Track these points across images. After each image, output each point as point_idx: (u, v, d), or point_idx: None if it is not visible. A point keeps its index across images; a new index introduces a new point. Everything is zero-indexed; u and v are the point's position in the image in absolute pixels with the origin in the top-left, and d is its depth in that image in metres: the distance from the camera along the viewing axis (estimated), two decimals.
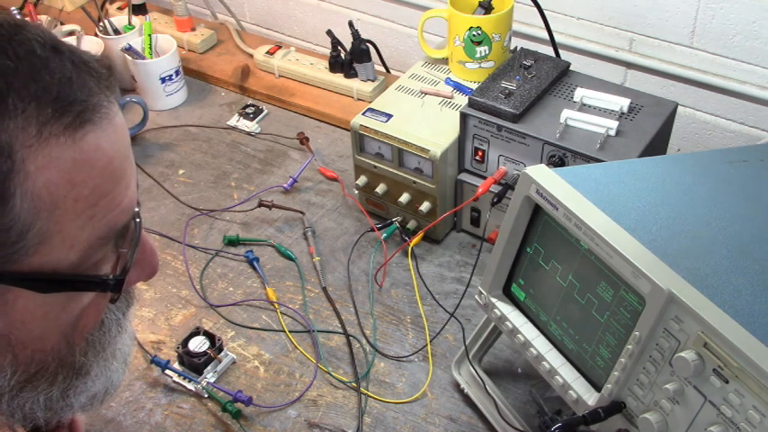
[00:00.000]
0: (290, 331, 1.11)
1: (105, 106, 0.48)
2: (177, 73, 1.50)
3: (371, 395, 1.03)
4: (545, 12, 1.25)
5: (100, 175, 0.47)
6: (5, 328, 0.48)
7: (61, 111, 0.44)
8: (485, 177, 1.15)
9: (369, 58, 1.45)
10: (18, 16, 1.51)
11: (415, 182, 1.18)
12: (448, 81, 1.26)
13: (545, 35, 1.28)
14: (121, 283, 0.52)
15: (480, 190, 1.12)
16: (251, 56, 1.60)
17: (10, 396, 0.52)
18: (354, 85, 1.47)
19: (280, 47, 1.58)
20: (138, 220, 0.53)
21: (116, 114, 0.49)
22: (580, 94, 1.10)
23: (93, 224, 0.48)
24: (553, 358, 0.83)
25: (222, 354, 1.06)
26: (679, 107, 1.15)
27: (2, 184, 0.43)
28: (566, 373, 0.82)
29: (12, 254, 0.45)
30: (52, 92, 0.44)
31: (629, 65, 1.37)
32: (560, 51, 1.29)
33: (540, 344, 0.85)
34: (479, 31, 1.20)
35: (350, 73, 1.48)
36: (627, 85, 1.34)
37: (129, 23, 1.56)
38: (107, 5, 1.65)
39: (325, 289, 1.17)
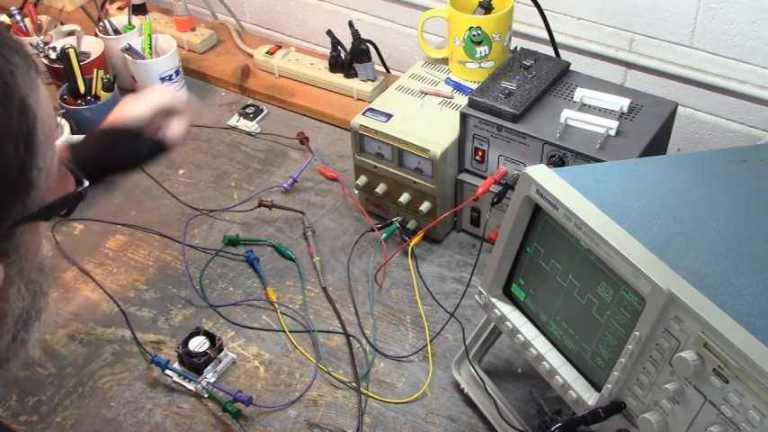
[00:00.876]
0: (290, 331, 1.11)
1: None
2: (177, 73, 1.50)
3: (371, 395, 1.03)
4: (545, 12, 1.25)
5: (51, 111, 0.54)
6: (25, 263, 0.53)
7: (28, 60, 0.52)
8: (485, 177, 1.15)
9: (369, 58, 1.45)
10: (18, 16, 1.51)
11: (415, 182, 1.18)
12: (448, 81, 1.26)
13: (545, 35, 1.28)
14: (86, 192, 0.58)
15: (480, 190, 1.12)
16: (251, 56, 1.60)
17: (24, 319, 0.57)
18: (354, 85, 1.47)
19: (280, 47, 1.58)
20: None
21: (41, 85, 0.56)
22: (580, 94, 1.10)
23: (55, 153, 0.54)
24: (553, 358, 0.83)
25: (222, 354, 1.06)
26: (679, 107, 1.15)
27: (31, 131, 0.49)
28: (566, 373, 0.82)
29: (35, 194, 0.51)
30: (18, 46, 0.52)
31: (629, 65, 1.37)
32: (560, 51, 1.29)
33: (540, 344, 0.85)
34: (479, 31, 1.20)
35: (350, 73, 1.48)
36: (627, 85, 1.34)
37: (129, 23, 1.56)
38: (107, 5, 1.65)
39: (325, 289, 1.17)
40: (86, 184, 0.58)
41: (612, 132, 1.05)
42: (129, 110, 1.04)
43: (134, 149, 1.03)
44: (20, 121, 0.48)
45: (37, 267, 0.58)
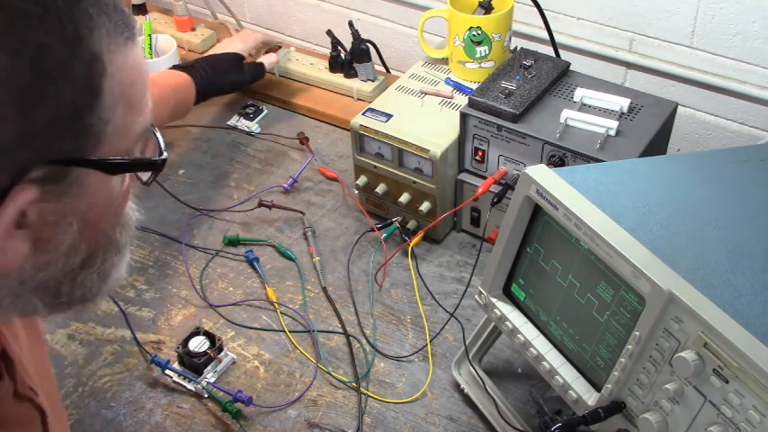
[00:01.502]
0: (290, 331, 1.11)
1: (137, 29, 0.59)
2: None
3: (371, 395, 1.03)
4: (545, 12, 1.25)
5: (142, 78, 0.58)
6: (85, 207, 0.56)
7: (123, 27, 0.55)
8: (485, 177, 1.15)
9: (369, 58, 1.45)
10: None
11: (415, 182, 1.18)
12: (448, 81, 1.26)
13: (545, 35, 1.28)
14: (163, 164, 0.62)
15: (480, 190, 1.12)
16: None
17: (73, 275, 0.60)
18: (354, 85, 1.47)
19: (280, 47, 1.58)
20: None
21: (137, 46, 0.59)
22: (580, 94, 1.10)
23: (140, 120, 0.58)
24: (553, 358, 0.83)
25: (222, 354, 1.06)
26: (679, 107, 1.15)
27: (97, 83, 0.52)
28: (566, 373, 0.82)
29: (96, 143, 0.54)
30: (117, 13, 0.55)
31: (629, 65, 1.37)
32: (560, 51, 1.29)
33: (540, 344, 0.85)
34: (479, 31, 1.20)
35: (350, 73, 1.48)
36: (627, 85, 1.34)
37: None
38: None
39: (325, 289, 1.17)
40: (165, 156, 0.62)
41: (612, 132, 1.05)
42: (231, 46, 1.42)
43: (240, 72, 1.40)
44: (86, 68, 0.51)
45: (112, 222, 0.62)
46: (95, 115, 0.53)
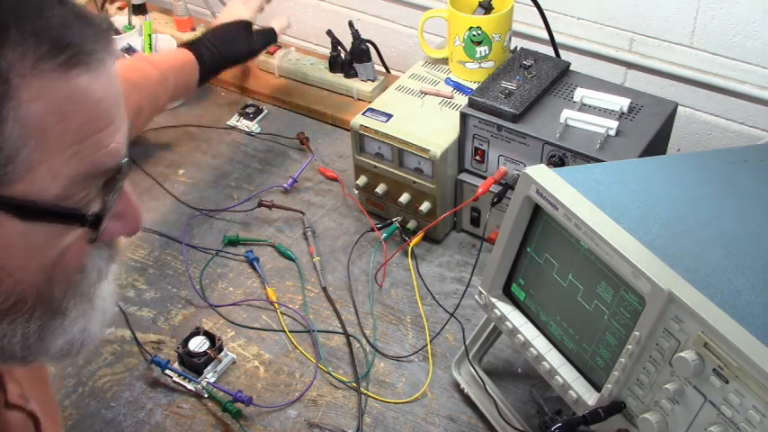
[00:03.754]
0: (290, 331, 1.11)
1: (100, 54, 0.52)
2: None
3: (371, 395, 1.03)
4: (545, 12, 1.25)
5: (89, 113, 0.51)
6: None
7: (58, 50, 0.48)
8: (485, 177, 1.15)
9: (369, 58, 1.45)
10: None
11: (415, 182, 1.18)
12: (448, 81, 1.26)
13: (545, 35, 1.28)
14: (99, 221, 0.55)
15: (480, 190, 1.12)
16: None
17: None
18: (354, 85, 1.47)
19: (280, 47, 1.58)
20: (123, 168, 0.56)
21: (111, 65, 0.53)
22: (580, 94, 1.10)
23: (78, 160, 0.51)
24: (553, 358, 0.83)
25: (222, 354, 1.06)
26: (679, 107, 1.15)
27: None
28: (566, 373, 0.82)
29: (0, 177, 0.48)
30: (52, 32, 0.48)
31: (629, 65, 1.37)
32: (560, 51, 1.29)
33: (540, 344, 0.85)
34: (479, 31, 1.20)
35: (350, 73, 1.48)
36: (627, 85, 1.34)
37: (129, 23, 1.56)
38: (107, 5, 1.65)
39: (325, 289, 1.17)
40: (102, 212, 0.55)
41: (612, 132, 1.05)
42: (235, 12, 1.31)
43: (249, 40, 1.29)
44: None
45: (45, 277, 0.54)
46: None
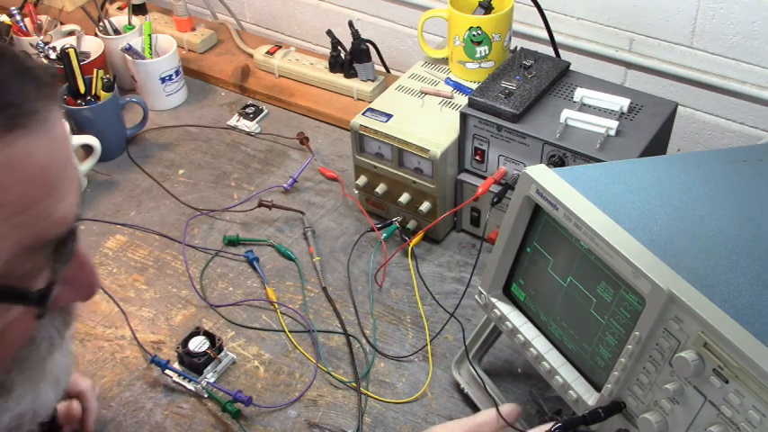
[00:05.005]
0: (290, 331, 1.11)
1: (42, 113, 0.46)
2: (177, 73, 1.50)
3: (371, 395, 1.03)
4: (545, 12, 1.25)
5: (29, 183, 0.45)
6: None
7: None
8: (485, 177, 1.15)
9: (369, 58, 1.45)
10: (18, 16, 1.51)
11: (415, 182, 1.18)
12: (448, 81, 1.26)
13: (545, 35, 1.28)
14: (45, 298, 0.49)
15: (480, 190, 1.12)
16: (251, 56, 1.60)
17: None
18: (354, 85, 1.47)
19: (280, 47, 1.58)
20: (74, 235, 0.51)
21: (55, 123, 0.47)
22: (580, 94, 1.10)
23: (20, 233, 0.45)
24: (553, 358, 0.83)
25: (222, 354, 1.06)
26: (679, 107, 1.15)
27: None
28: (566, 373, 0.82)
29: None
30: None
31: (629, 65, 1.37)
32: (560, 51, 1.29)
33: (540, 344, 0.85)
34: (479, 31, 1.20)
35: (350, 73, 1.48)
36: (627, 85, 1.34)
37: (129, 23, 1.56)
38: (107, 5, 1.65)
39: (325, 289, 1.17)
40: (48, 288, 0.49)
41: (612, 132, 1.05)
42: None
43: None
44: None
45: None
46: None
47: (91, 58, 1.45)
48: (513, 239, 0.86)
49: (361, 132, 1.18)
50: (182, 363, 1.06)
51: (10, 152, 0.43)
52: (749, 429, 0.64)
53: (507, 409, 0.85)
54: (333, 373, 1.05)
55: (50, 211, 0.47)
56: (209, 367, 1.05)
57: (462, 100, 1.20)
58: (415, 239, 1.21)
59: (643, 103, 1.10)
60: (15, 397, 0.53)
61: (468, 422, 0.84)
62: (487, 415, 0.85)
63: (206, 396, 1.02)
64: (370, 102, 1.29)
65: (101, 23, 1.53)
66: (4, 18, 1.51)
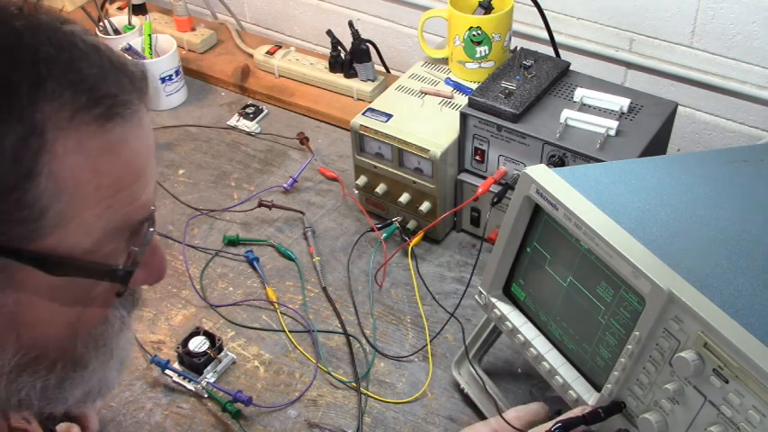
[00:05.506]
0: (290, 331, 1.11)
1: (136, 105, 0.50)
2: (177, 73, 1.50)
3: (371, 395, 1.03)
4: (545, 12, 1.25)
5: (123, 168, 0.49)
6: (14, 305, 0.49)
7: (94, 101, 0.47)
8: (485, 177, 1.15)
9: (369, 58, 1.45)
10: None
11: (415, 182, 1.18)
12: (448, 81, 1.26)
13: (545, 35, 1.28)
14: (129, 276, 0.53)
15: (480, 190, 1.12)
16: (251, 56, 1.60)
17: (8, 379, 0.52)
18: (354, 85, 1.47)
19: (280, 47, 1.58)
20: (152, 220, 0.55)
21: (145, 116, 0.52)
22: (580, 94, 1.10)
23: (110, 214, 0.49)
24: (553, 358, 0.83)
25: (222, 354, 1.06)
26: (679, 107, 1.15)
27: (31, 160, 0.45)
28: (566, 373, 0.82)
29: (30, 231, 0.46)
30: (88, 83, 0.47)
31: (629, 65, 1.37)
32: (560, 51, 1.29)
33: (540, 344, 0.85)
34: (479, 31, 1.20)
35: (350, 73, 1.48)
36: (627, 85, 1.34)
37: (129, 23, 1.56)
38: (107, 5, 1.65)
39: (325, 289, 1.17)
40: (131, 268, 0.53)
41: (612, 132, 1.05)
42: None
43: None
44: (15, 140, 0.44)
45: (67, 332, 0.53)
46: (25, 200, 0.45)
47: None
48: (513, 239, 0.86)
49: (361, 132, 1.18)
50: (182, 363, 1.06)
51: (109, 138, 0.48)
52: (749, 429, 0.64)
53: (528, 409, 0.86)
54: (333, 373, 1.05)
55: (137, 195, 0.51)
56: (209, 367, 1.05)
57: (462, 100, 1.20)
58: (415, 239, 1.21)
59: (643, 103, 1.10)
60: (90, 371, 0.57)
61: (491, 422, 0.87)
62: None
63: (206, 396, 1.02)
64: (370, 102, 1.29)
65: (101, 23, 1.53)
66: None
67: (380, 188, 1.22)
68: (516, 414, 0.86)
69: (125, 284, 0.54)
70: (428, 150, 1.13)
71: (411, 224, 1.23)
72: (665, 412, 0.71)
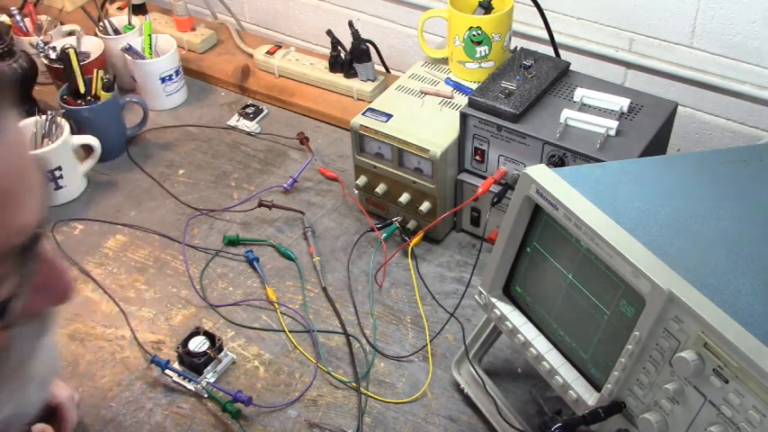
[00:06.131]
0: (290, 331, 1.11)
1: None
2: (177, 73, 1.50)
3: (371, 395, 1.03)
4: (545, 12, 1.25)
5: None
6: None
7: None
8: (485, 177, 1.15)
9: (369, 58, 1.45)
10: (18, 16, 1.51)
11: (415, 182, 1.18)
12: (448, 81, 1.26)
13: (545, 35, 1.28)
14: (5, 310, 0.46)
15: (480, 190, 1.12)
16: (251, 56, 1.60)
17: None
18: (354, 85, 1.47)
19: (280, 47, 1.58)
20: (37, 238, 0.48)
21: (9, 131, 0.44)
22: (580, 94, 1.10)
23: None
24: (553, 358, 0.83)
25: (222, 354, 1.06)
26: (679, 107, 1.15)
27: None
28: (566, 373, 0.82)
29: None
30: None
31: (629, 65, 1.37)
32: (560, 51, 1.29)
33: (540, 344, 0.85)
34: (479, 31, 1.20)
35: (350, 73, 1.48)
36: (627, 85, 1.34)
37: (129, 23, 1.56)
38: (107, 5, 1.65)
39: (325, 289, 1.17)
40: (11, 300, 0.46)
41: (612, 132, 1.05)
42: None
43: None
44: None
45: None
46: None
47: (91, 59, 1.45)
48: (513, 239, 0.86)
49: (361, 132, 1.18)
50: (182, 363, 1.06)
51: None
52: (749, 429, 0.64)
53: None
54: (333, 373, 1.05)
55: (7, 221, 0.44)
56: (209, 367, 1.05)
57: (462, 100, 1.20)
58: (415, 239, 1.21)
59: (643, 103, 1.10)
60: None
61: None
62: None
63: (206, 396, 1.02)
64: (370, 102, 1.29)
65: (101, 23, 1.53)
66: (4, 18, 1.51)
67: (380, 188, 1.22)
68: None
69: (5, 318, 0.47)
70: (428, 150, 1.13)
71: (411, 224, 1.23)
72: (665, 412, 0.71)
